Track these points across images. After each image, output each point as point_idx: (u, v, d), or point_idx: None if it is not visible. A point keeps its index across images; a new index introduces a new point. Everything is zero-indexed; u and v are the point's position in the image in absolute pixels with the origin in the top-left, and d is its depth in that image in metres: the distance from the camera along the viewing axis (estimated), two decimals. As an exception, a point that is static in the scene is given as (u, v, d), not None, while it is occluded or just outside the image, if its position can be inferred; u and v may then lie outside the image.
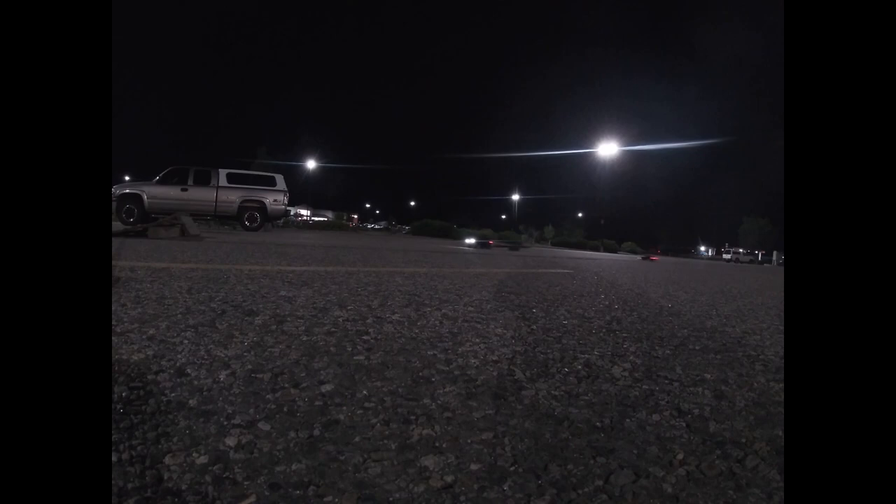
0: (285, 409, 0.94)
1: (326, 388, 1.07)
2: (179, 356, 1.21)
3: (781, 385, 1.36)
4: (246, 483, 0.69)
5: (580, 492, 0.73)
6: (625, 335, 1.90)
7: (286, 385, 1.07)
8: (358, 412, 0.95)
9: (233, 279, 2.66)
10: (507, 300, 2.64)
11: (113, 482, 0.66)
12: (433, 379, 1.19)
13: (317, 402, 0.99)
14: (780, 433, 1.00)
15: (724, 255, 51.73)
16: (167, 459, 0.73)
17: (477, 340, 1.62)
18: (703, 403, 1.16)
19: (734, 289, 5.11)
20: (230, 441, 0.80)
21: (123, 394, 0.95)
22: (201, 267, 3.20)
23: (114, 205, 10.88)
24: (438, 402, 1.04)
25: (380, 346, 1.44)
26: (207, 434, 0.82)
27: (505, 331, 1.81)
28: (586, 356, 1.52)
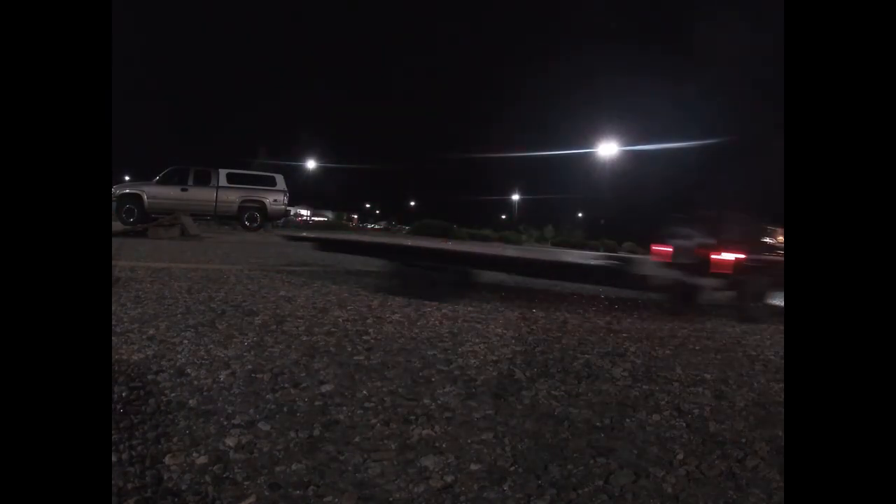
0: (285, 409, 0.94)
1: (326, 388, 1.07)
2: (179, 356, 1.21)
3: (781, 385, 1.36)
4: (246, 483, 0.69)
5: (580, 492, 0.73)
6: (624, 335, 1.90)
7: (286, 385, 1.07)
8: (358, 412, 0.95)
9: (233, 279, 2.66)
10: (507, 300, 2.64)
11: (113, 482, 0.66)
12: (433, 379, 1.19)
13: (317, 402, 0.98)
14: (780, 433, 1.00)
15: (724, 255, 51.65)
16: (167, 459, 0.73)
17: (477, 340, 1.62)
18: (703, 403, 1.16)
19: (734, 289, 5.10)
20: (230, 441, 0.80)
21: (123, 394, 0.95)
22: (201, 267, 3.20)
23: (114, 205, 10.86)
24: (438, 402, 1.04)
25: (380, 346, 1.44)
26: (207, 434, 0.82)
27: (505, 331, 1.81)
28: (586, 356, 1.52)
